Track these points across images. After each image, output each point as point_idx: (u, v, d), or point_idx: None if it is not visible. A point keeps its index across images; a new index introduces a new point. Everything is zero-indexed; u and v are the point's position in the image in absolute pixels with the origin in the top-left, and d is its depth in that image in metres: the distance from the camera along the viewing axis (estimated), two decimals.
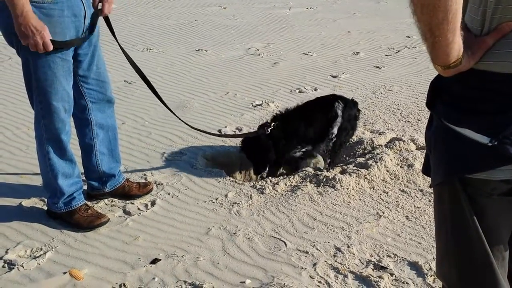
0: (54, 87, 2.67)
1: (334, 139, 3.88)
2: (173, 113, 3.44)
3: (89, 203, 3.11)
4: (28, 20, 2.41)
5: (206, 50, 7.04)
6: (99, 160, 3.12)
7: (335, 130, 3.86)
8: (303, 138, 3.79)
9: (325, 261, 2.74)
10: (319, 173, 3.63)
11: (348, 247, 2.86)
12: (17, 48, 2.65)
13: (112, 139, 3.16)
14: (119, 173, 3.27)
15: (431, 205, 3.32)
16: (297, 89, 5.65)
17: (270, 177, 3.67)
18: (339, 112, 3.88)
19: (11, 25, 2.50)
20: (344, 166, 3.73)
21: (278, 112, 3.98)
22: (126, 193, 3.28)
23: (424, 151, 4.06)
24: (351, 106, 4.01)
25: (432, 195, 3.43)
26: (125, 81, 5.61)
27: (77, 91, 2.90)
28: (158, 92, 3.31)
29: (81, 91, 2.92)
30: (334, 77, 6.11)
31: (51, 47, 2.52)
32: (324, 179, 3.53)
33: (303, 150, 3.83)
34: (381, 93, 5.61)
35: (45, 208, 3.09)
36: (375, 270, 2.68)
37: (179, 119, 3.51)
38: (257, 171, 3.87)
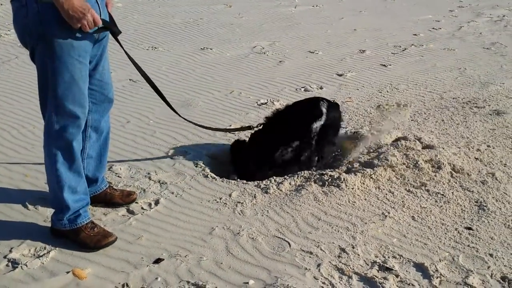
0: (72, 91, 2.59)
1: (316, 136, 3.82)
2: (177, 113, 3.42)
3: (95, 220, 2.97)
4: (73, 2, 2.39)
5: (211, 49, 7.02)
6: (84, 163, 3.00)
7: (317, 127, 3.82)
8: (286, 137, 3.76)
9: (330, 262, 2.72)
10: (324, 172, 3.60)
11: (353, 247, 2.84)
12: (32, 50, 2.57)
13: (103, 144, 3.06)
14: (102, 179, 3.17)
15: (437, 205, 3.29)
16: (302, 87, 5.62)
17: (274, 177, 3.63)
18: (324, 110, 3.86)
19: (26, 25, 2.46)
20: (349, 165, 3.70)
21: (266, 116, 4.02)
22: (107, 201, 3.18)
23: (430, 150, 4.04)
24: (334, 106, 4.01)
25: (439, 196, 3.41)
26: (130, 79, 5.61)
27: None
28: (162, 91, 3.28)
29: None
30: (340, 75, 6.08)
31: (100, 22, 2.52)
32: (329, 178, 3.50)
33: (291, 148, 3.75)
34: (387, 91, 5.57)
35: (49, 209, 3.06)
36: (380, 271, 2.65)
37: (184, 118, 3.51)
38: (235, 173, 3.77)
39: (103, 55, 2.86)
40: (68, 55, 2.53)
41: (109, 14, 2.79)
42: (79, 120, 2.68)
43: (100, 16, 2.63)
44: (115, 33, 2.76)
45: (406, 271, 2.66)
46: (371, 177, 3.52)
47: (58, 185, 2.73)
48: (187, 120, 3.67)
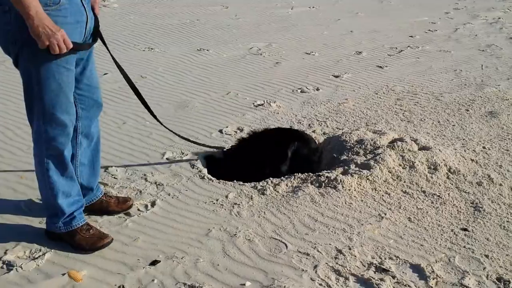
0: (59, 99, 2.52)
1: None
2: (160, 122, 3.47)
3: (90, 222, 2.95)
4: (44, 20, 2.28)
5: (208, 50, 7.02)
6: (78, 171, 2.95)
7: (283, 170, 3.72)
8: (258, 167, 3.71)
9: (326, 263, 2.71)
10: (320, 173, 3.60)
11: (350, 249, 2.84)
12: (15, 57, 2.48)
13: (94, 150, 3.01)
14: (97, 187, 3.13)
15: (433, 207, 3.29)
16: (299, 89, 5.62)
17: (270, 178, 3.62)
18: (289, 154, 3.74)
19: (9, 32, 2.39)
20: (345, 167, 3.70)
21: (243, 137, 4.02)
22: (103, 209, 3.13)
23: (426, 151, 4.04)
24: (305, 146, 3.86)
25: (435, 197, 3.41)
26: None
27: None
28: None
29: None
30: (336, 76, 6.08)
31: (71, 44, 2.39)
32: (326, 180, 3.50)
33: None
34: (384, 93, 5.58)
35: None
36: (376, 272, 2.65)
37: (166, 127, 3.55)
38: None
39: (90, 58, 2.79)
40: (55, 63, 2.45)
41: (95, 17, 2.71)
42: (67, 128, 2.62)
43: (87, 19, 2.56)
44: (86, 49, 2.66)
45: (403, 272, 2.67)
46: (368, 179, 3.52)
47: (51, 192, 2.70)
48: (170, 130, 3.75)
